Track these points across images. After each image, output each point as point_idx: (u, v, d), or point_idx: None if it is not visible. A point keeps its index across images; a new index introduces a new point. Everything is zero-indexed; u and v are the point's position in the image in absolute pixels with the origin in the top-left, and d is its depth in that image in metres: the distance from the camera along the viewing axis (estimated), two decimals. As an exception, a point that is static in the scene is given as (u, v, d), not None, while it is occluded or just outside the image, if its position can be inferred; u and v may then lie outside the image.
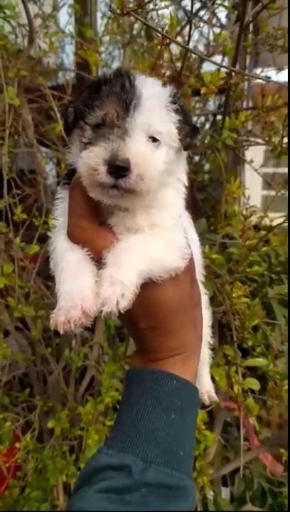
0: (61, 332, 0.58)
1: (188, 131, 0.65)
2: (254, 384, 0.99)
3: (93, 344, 1.61)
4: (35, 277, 1.37)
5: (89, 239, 0.63)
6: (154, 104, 0.62)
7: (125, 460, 0.58)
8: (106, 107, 0.60)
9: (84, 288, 0.59)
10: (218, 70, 0.96)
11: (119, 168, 0.56)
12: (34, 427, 1.39)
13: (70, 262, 0.62)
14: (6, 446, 1.32)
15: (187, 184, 0.71)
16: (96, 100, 0.61)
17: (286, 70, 1.74)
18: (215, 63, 0.76)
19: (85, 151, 0.60)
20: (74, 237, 0.64)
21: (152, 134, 0.61)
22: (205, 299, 0.86)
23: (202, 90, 0.95)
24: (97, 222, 0.64)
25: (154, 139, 0.62)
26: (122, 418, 0.64)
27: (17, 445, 1.32)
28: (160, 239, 0.64)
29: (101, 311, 0.58)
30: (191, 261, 0.68)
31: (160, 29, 0.87)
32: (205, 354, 0.91)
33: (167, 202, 0.66)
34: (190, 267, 0.68)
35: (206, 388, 0.93)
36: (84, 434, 1.34)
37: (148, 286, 0.62)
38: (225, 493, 1.86)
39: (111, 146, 0.57)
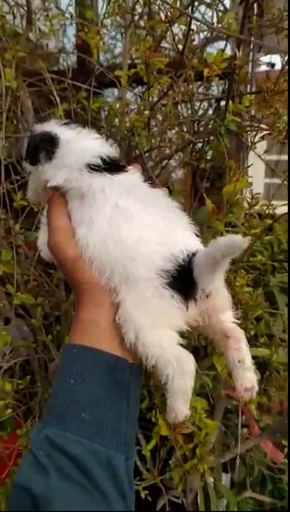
0: None
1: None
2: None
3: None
4: (35, 265, 1.36)
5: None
6: None
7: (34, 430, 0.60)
8: None
9: None
10: (222, 50, 0.93)
11: None
12: (35, 413, 1.40)
13: None
14: (8, 433, 1.32)
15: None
16: None
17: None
18: (224, 37, 0.72)
19: None
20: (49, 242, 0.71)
21: None
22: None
23: (205, 71, 0.92)
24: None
25: None
26: None
27: (18, 432, 1.33)
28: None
29: None
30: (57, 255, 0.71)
31: (162, 9, 0.85)
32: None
33: None
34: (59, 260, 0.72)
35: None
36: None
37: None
38: (226, 479, 1.88)
39: None
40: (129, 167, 0.76)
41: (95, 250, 0.65)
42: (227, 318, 0.69)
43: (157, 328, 0.62)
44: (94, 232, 0.66)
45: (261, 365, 1.26)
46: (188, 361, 0.62)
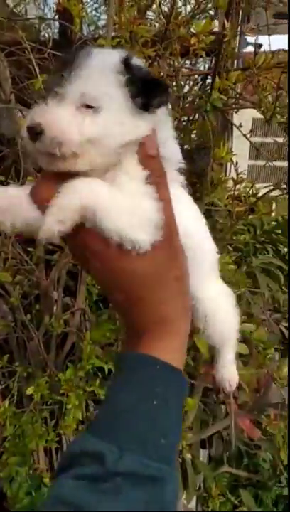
0: None
1: (137, 90, 0.60)
2: (242, 349, 0.99)
3: (75, 311, 1.59)
4: (13, 242, 1.32)
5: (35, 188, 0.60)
6: (93, 71, 0.60)
7: (100, 447, 0.54)
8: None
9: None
10: (210, 19, 0.90)
11: (32, 131, 0.58)
12: (13, 392, 1.38)
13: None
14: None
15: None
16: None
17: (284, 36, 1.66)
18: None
19: None
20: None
21: (86, 102, 0.59)
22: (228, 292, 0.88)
23: (193, 40, 0.89)
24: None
25: (90, 106, 0.59)
26: (104, 404, 0.62)
27: (-5, 411, 1.31)
28: (127, 200, 0.59)
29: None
30: (170, 232, 0.62)
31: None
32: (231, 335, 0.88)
33: (128, 165, 0.61)
34: (168, 239, 0.61)
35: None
36: (64, 399, 1.34)
37: (111, 254, 0.58)
38: (203, 455, 1.93)
39: (31, 113, 0.59)
40: None
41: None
42: None
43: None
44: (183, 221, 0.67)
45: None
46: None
